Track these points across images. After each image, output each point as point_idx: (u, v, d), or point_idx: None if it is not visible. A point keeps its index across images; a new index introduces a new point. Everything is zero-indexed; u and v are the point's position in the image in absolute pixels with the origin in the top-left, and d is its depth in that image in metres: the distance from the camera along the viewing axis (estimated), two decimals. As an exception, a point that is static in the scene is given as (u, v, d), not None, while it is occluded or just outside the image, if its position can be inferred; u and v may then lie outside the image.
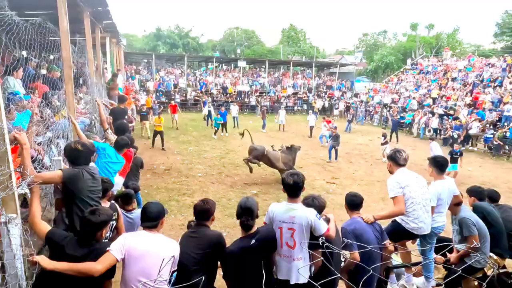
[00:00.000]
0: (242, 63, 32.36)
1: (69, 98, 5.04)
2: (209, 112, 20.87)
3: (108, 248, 2.51)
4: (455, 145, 11.85)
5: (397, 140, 18.12)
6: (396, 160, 3.85)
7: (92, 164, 3.63)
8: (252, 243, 2.88)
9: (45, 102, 4.59)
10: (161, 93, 27.51)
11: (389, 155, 3.99)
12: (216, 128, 17.14)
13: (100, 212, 2.62)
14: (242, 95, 29.81)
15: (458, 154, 10.86)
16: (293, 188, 3.02)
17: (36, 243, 2.91)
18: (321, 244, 2.83)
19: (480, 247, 3.73)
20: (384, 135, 14.60)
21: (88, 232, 2.55)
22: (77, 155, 3.26)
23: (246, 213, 2.95)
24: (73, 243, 2.53)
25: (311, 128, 18.66)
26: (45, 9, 7.05)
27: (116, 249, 2.52)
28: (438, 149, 11.56)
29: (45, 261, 2.39)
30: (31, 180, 2.75)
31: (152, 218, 2.73)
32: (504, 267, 4.07)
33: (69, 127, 4.78)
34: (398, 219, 3.85)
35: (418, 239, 4.16)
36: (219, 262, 3.08)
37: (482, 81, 22.79)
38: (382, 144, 14.22)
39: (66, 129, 4.68)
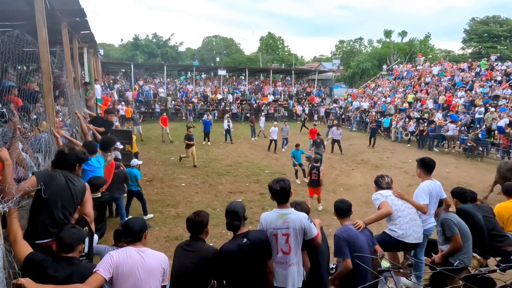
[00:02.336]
0: (222, 72, 32.41)
1: (49, 111, 4.89)
2: (229, 127, 18.45)
3: (95, 269, 2.46)
4: None
5: (373, 145, 18.28)
6: (379, 184, 4.27)
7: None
8: (244, 241, 2.89)
9: (26, 117, 4.42)
10: (140, 103, 27.16)
11: (374, 180, 4.38)
12: (296, 168, 11.43)
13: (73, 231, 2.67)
14: (223, 104, 29.81)
15: None
16: (281, 194, 3.06)
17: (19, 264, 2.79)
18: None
19: (463, 246, 3.88)
20: (331, 119, 21.50)
21: (61, 250, 2.54)
22: (61, 158, 3.15)
23: (230, 215, 2.98)
24: (52, 264, 2.46)
25: (271, 141, 16.24)
26: (21, 19, 6.86)
27: (104, 268, 2.47)
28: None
29: (30, 284, 2.29)
30: (17, 199, 2.65)
31: (135, 232, 2.69)
32: (486, 265, 4.23)
33: (51, 140, 4.64)
34: (386, 230, 4.05)
35: None
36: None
37: (454, 85, 23.73)
38: (328, 126, 19.90)
39: (49, 143, 4.53)
